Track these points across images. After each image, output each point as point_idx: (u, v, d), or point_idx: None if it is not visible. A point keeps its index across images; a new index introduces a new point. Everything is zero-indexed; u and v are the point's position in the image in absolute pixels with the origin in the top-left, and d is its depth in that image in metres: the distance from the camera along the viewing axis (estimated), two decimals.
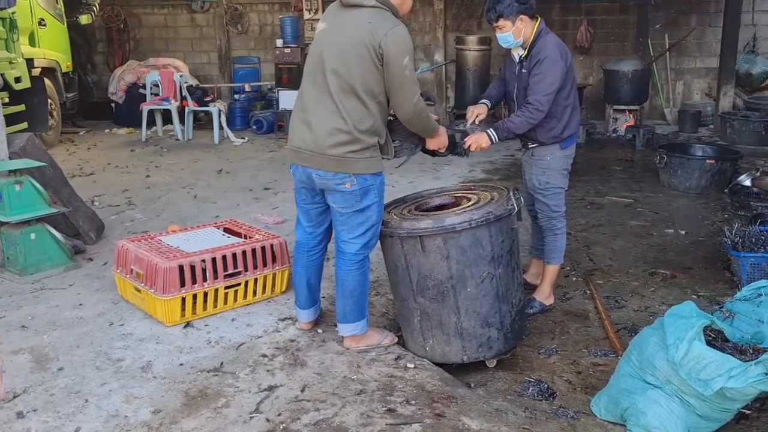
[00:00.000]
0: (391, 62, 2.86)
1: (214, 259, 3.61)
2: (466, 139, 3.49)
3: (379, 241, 3.20)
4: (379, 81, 2.92)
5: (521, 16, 3.47)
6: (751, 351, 2.63)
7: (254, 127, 9.90)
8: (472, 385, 3.13)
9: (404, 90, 2.92)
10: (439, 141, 3.31)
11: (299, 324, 3.48)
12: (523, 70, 3.61)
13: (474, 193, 3.35)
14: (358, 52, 2.87)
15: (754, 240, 4.10)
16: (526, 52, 3.58)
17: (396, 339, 3.34)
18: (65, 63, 9.48)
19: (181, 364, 3.13)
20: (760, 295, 2.96)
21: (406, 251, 3.06)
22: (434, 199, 3.48)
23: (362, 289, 3.20)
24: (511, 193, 3.18)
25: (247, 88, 10.82)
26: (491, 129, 3.52)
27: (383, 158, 3.10)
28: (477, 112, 3.67)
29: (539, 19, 3.55)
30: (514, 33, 3.51)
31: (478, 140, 3.49)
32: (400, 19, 2.98)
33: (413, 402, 2.79)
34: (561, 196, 3.79)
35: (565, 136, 3.67)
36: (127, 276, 3.73)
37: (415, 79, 2.97)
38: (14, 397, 2.86)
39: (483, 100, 3.80)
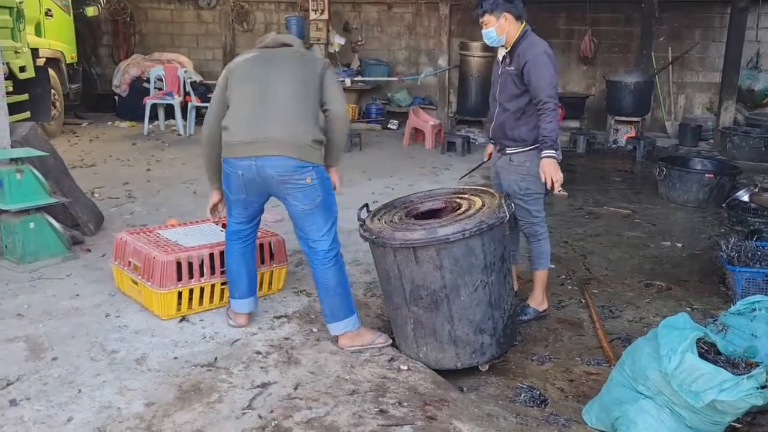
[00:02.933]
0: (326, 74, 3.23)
1: (212, 255, 3.62)
2: (549, 181, 3.48)
3: (370, 249, 3.22)
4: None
5: (505, 14, 3.55)
6: (743, 365, 2.64)
7: None
8: (465, 389, 3.14)
9: (340, 93, 3.29)
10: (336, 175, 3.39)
11: (237, 319, 3.44)
12: (507, 67, 3.65)
13: (464, 198, 3.34)
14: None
15: (750, 255, 4.12)
16: (508, 51, 3.64)
17: (390, 340, 3.34)
18: (70, 54, 9.50)
19: (175, 358, 3.13)
20: (755, 309, 2.98)
21: (398, 261, 3.06)
22: (424, 204, 3.46)
23: (344, 284, 3.25)
24: (503, 200, 3.18)
25: None
26: (545, 152, 3.50)
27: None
28: (488, 152, 4.02)
29: (524, 23, 3.62)
30: (498, 30, 3.58)
31: (551, 172, 3.48)
32: None
33: (405, 404, 2.80)
34: (541, 201, 3.79)
35: None
36: (125, 268, 3.73)
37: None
38: (8, 384, 2.86)
39: (489, 141, 4.00)
